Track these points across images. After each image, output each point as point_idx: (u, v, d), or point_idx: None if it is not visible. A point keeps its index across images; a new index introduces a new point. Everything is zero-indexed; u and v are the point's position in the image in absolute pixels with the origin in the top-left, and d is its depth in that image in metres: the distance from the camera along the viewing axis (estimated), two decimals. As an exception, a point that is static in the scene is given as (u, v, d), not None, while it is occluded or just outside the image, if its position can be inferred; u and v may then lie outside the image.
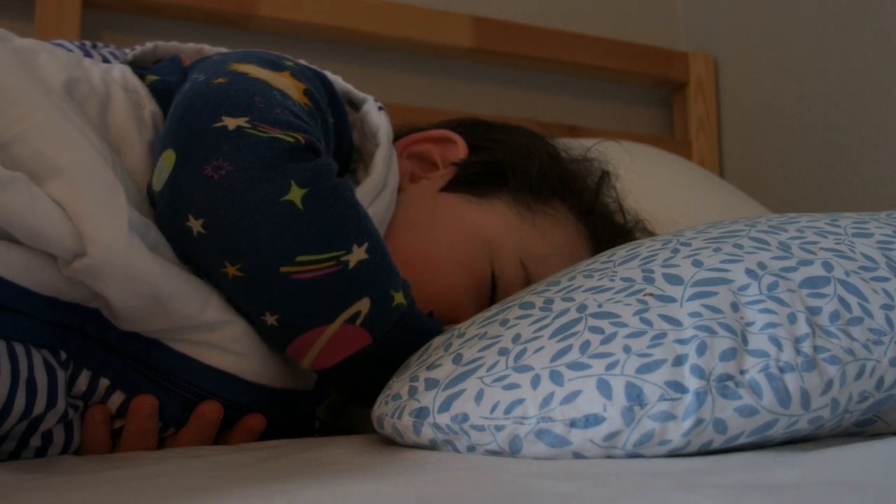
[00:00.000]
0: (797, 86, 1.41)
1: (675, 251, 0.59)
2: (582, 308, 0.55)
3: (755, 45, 1.49)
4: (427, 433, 0.53)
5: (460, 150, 0.83)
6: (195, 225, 0.58)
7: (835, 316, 0.52)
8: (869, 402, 0.51)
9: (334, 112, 0.72)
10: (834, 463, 0.46)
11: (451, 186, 0.80)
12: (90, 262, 0.55)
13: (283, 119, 0.61)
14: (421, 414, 0.54)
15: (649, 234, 0.89)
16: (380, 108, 0.78)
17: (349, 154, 0.77)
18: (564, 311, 0.56)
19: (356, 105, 0.81)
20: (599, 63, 1.46)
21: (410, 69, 1.38)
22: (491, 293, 0.76)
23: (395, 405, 0.56)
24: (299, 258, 0.58)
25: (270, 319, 0.60)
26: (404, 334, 0.63)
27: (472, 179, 0.81)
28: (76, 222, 0.55)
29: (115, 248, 0.55)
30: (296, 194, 0.58)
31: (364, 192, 0.72)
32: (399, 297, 0.62)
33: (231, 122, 0.59)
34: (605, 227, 0.85)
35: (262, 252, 0.58)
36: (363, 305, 0.60)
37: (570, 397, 0.49)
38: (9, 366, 0.54)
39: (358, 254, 0.60)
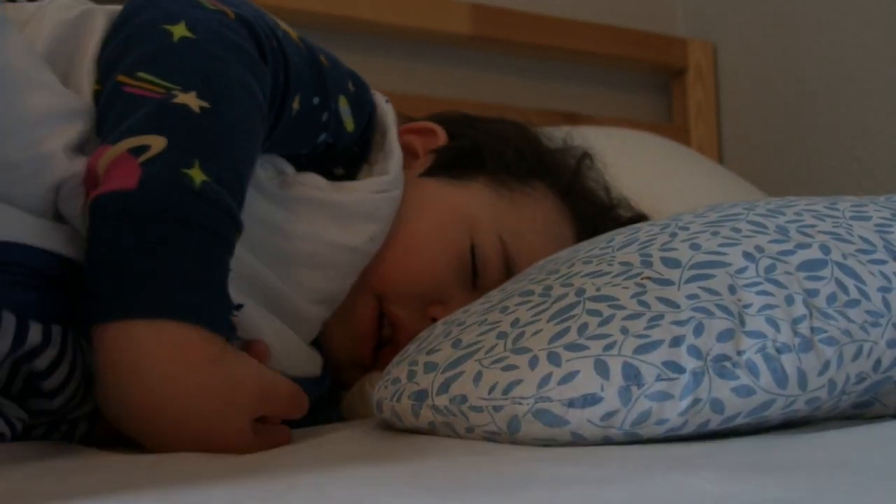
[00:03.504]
0: (796, 72, 1.41)
1: (674, 235, 0.59)
2: (580, 292, 0.56)
3: (754, 31, 1.49)
4: (426, 415, 0.54)
5: (440, 139, 0.85)
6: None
7: (832, 298, 0.52)
8: (866, 384, 0.51)
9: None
10: (832, 445, 0.47)
11: (430, 172, 0.82)
12: None
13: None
14: (420, 396, 0.54)
15: (633, 211, 0.90)
16: (386, 101, 0.79)
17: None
18: (563, 296, 0.56)
19: None
20: (598, 50, 1.46)
21: (408, 57, 1.38)
22: (473, 270, 0.77)
23: (394, 389, 0.57)
24: (139, 73, 0.57)
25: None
26: (176, 216, 0.52)
27: (449, 164, 0.82)
28: None
29: None
30: (179, 30, 0.58)
31: (393, 176, 0.74)
32: (196, 174, 0.53)
33: None
34: (587, 206, 0.86)
35: (118, 58, 0.59)
36: (157, 143, 0.53)
37: (568, 377, 0.50)
38: (71, 356, 0.55)
39: (190, 100, 0.56)
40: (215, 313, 0.53)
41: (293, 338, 0.69)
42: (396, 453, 0.50)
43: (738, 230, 0.58)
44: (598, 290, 0.55)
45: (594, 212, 0.86)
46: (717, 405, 0.48)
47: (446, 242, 0.77)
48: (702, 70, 1.53)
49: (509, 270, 0.77)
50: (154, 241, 0.51)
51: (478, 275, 0.77)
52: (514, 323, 0.55)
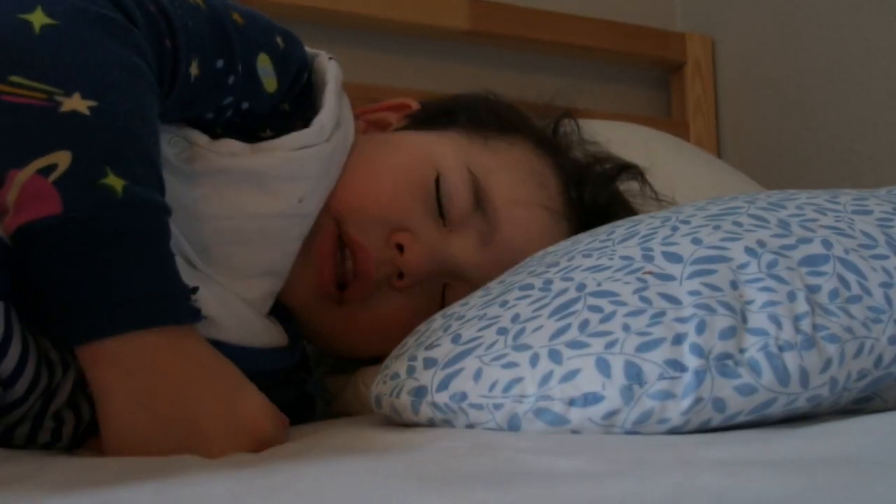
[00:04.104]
0: (795, 66, 1.41)
1: (675, 229, 0.59)
2: (581, 287, 0.55)
3: (752, 25, 1.49)
4: (425, 412, 0.53)
5: (414, 107, 0.85)
6: None
7: (834, 294, 0.52)
8: (867, 380, 0.51)
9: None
10: (832, 437, 0.47)
11: (404, 128, 0.82)
12: None
13: None
14: (419, 393, 0.54)
15: (617, 163, 0.90)
16: (329, 59, 0.77)
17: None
18: (563, 291, 0.56)
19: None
20: (596, 44, 1.46)
21: (406, 52, 1.38)
22: (437, 198, 0.76)
23: (393, 384, 0.56)
24: (13, 77, 0.54)
25: None
26: (112, 230, 0.52)
27: (423, 120, 0.82)
28: None
29: None
30: (38, 18, 0.56)
31: (321, 124, 0.70)
32: (114, 182, 0.53)
33: None
34: (568, 157, 0.86)
35: None
36: (62, 159, 0.52)
37: (569, 376, 0.49)
38: (20, 335, 0.54)
39: (77, 104, 0.54)
40: (184, 307, 0.54)
41: (242, 306, 0.67)
42: (395, 447, 0.50)
43: (739, 224, 0.58)
44: (598, 284, 0.55)
45: (576, 164, 0.86)
46: (718, 404, 0.48)
47: (406, 169, 0.76)
48: (700, 65, 1.53)
49: (480, 204, 0.76)
50: (101, 259, 0.52)
51: (442, 204, 0.75)
52: (515, 318, 0.55)
